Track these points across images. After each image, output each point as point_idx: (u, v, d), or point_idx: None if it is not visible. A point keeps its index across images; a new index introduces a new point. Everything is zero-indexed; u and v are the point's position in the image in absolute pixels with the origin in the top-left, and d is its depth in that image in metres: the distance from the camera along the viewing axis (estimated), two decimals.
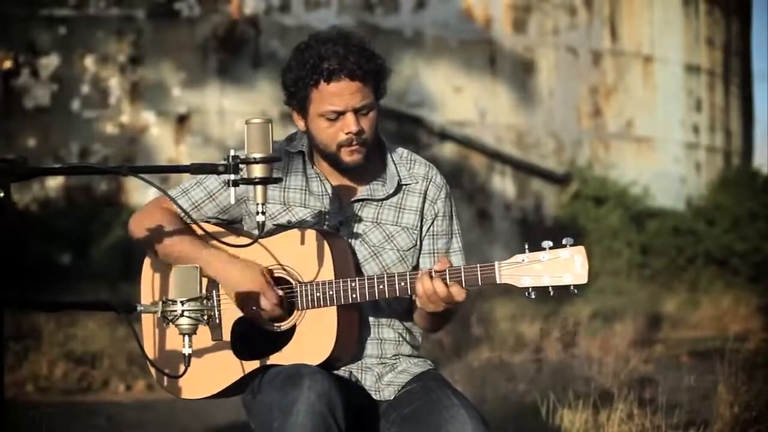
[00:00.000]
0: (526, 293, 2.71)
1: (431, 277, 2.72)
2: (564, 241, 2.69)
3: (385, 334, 2.95)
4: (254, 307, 2.81)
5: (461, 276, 2.74)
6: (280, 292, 2.81)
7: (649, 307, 10.78)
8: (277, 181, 2.67)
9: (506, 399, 5.53)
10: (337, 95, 2.83)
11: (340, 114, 2.84)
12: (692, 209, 14.75)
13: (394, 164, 2.99)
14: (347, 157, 2.88)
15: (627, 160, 14.38)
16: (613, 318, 8.46)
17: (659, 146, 14.90)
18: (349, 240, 2.93)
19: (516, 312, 8.91)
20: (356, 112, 2.85)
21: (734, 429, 4.58)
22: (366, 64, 2.85)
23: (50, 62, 12.14)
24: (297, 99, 2.89)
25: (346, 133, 2.85)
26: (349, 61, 2.82)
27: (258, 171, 2.56)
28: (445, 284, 2.72)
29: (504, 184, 13.51)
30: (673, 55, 15.20)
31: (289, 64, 2.90)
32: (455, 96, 13.13)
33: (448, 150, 13.04)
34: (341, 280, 2.80)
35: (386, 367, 2.94)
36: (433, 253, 2.99)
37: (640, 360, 5.96)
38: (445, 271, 2.73)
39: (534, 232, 13.54)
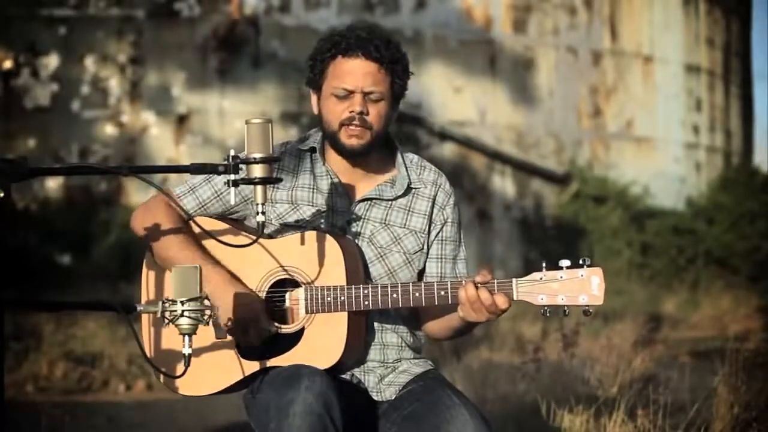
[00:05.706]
0: (542, 311, 2.73)
1: (476, 286, 2.71)
2: (581, 261, 2.71)
3: (388, 338, 2.94)
4: (237, 333, 2.79)
5: None
6: (274, 329, 2.79)
7: (649, 307, 10.77)
8: (278, 181, 2.66)
9: (506, 399, 5.52)
10: (350, 73, 2.85)
11: (350, 93, 2.85)
12: (692, 209, 14.75)
13: (405, 167, 2.99)
14: (346, 138, 2.87)
15: (627, 160, 14.39)
16: (614, 318, 8.44)
17: (659, 146, 14.90)
18: (356, 240, 2.92)
19: (516, 312, 8.89)
20: (366, 95, 2.85)
21: (734, 429, 4.57)
22: (385, 50, 2.87)
23: (50, 62, 12.14)
24: (314, 75, 2.92)
25: (350, 112, 2.85)
26: (369, 42, 2.85)
27: (258, 171, 2.56)
28: (490, 293, 2.71)
29: (504, 184, 13.51)
30: (673, 55, 15.20)
31: (316, 45, 2.94)
32: (455, 96, 13.13)
33: (448, 150, 13.04)
34: (354, 286, 2.78)
35: (388, 368, 2.94)
36: (441, 258, 2.99)
37: (640, 360, 5.95)
38: (488, 282, 2.72)
39: (534, 232, 13.55)
